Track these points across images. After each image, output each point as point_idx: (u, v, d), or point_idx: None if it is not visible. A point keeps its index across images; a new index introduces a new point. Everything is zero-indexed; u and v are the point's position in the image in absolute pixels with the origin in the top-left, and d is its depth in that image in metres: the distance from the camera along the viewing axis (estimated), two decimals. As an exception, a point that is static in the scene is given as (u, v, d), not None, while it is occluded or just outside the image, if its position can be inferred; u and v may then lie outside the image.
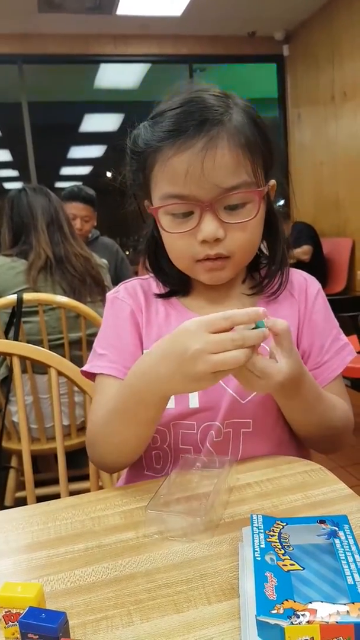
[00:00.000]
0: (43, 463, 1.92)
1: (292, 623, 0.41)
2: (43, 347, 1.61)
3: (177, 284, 0.84)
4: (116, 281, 2.24)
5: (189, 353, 0.58)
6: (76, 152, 6.80)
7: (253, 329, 0.60)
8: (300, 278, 0.87)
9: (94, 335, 0.95)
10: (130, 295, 0.85)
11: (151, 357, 0.65)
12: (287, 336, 0.63)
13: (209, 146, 0.69)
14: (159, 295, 0.85)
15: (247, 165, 0.72)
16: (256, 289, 0.83)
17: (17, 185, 4.76)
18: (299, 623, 0.41)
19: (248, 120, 0.73)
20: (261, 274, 0.86)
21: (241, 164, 0.71)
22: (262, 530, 0.54)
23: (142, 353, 0.80)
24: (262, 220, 0.77)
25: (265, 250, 0.85)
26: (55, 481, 1.04)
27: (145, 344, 0.81)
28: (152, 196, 0.77)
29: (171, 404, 0.77)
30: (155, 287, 0.86)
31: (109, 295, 0.87)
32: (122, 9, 4.43)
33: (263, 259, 0.86)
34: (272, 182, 0.79)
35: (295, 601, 0.44)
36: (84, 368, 0.84)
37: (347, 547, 0.51)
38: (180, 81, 0.77)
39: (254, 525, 0.55)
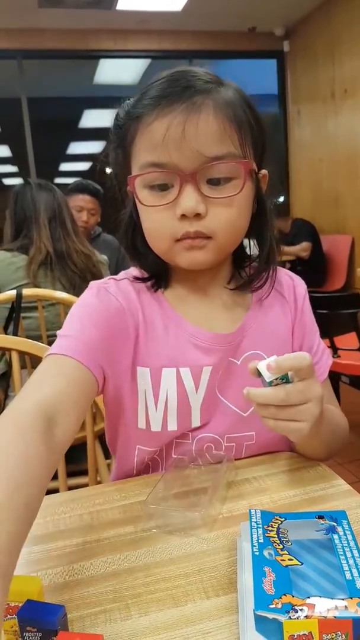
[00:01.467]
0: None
1: (290, 618, 0.42)
2: (42, 342, 1.61)
3: (157, 271, 0.77)
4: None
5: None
6: (76, 147, 6.78)
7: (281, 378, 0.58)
8: (287, 278, 0.83)
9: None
10: (124, 295, 0.75)
11: None
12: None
13: (192, 110, 0.63)
14: (138, 279, 0.76)
15: (233, 137, 0.65)
16: (241, 286, 0.77)
17: (16, 180, 4.74)
18: (297, 618, 0.42)
19: (240, 98, 0.68)
20: (247, 272, 0.79)
21: (227, 134, 0.65)
22: (260, 525, 0.54)
23: (132, 362, 0.73)
24: (248, 203, 0.70)
25: (256, 248, 0.79)
26: (53, 476, 1.04)
27: (141, 359, 0.73)
28: (133, 168, 0.70)
29: (173, 426, 0.73)
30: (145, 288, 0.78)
31: (97, 284, 0.77)
32: (122, 4, 4.41)
33: (249, 258, 0.80)
34: (264, 171, 0.73)
35: (293, 596, 0.44)
36: (49, 351, 0.69)
37: (346, 542, 0.51)
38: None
39: (253, 520, 0.55)
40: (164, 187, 0.67)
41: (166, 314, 0.75)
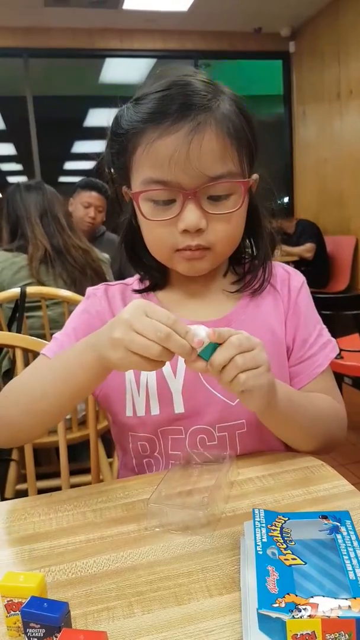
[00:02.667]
0: (43, 456, 1.93)
1: (293, 617, 0.42)
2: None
3: (155, 276, 0.81)
4: (120, 277, 2.23)
5: (119, 318, 0.59)
6: (80, 146, 6.79)
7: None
8: (283, 272, 0.85)
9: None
10: (108, 297, 0.82)
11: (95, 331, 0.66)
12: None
13: (197, 131, 0.66)
14: (137, 292, 0.82)
15: (233, 155, 0.69)
16: (238, 285, 0.81)
17: (21, 179, 4.75)
18: (301, 617, 0.41)
19: (235, 109, 0.70)
20: (244, 269, 0.83)
21: (228, 152, 0.68)
22: (264, 525, 0.54)
23: None
24: (244, 213, 0.75)
25: (249, 245, 0.83)
26: (56, 474, 1.04)
27: None
28: (133, 181, 0.73)
29: (155, 410, 0.76)
30: (137, 287, 0.83)
31: (90, 289, 0.85)
32: (128, 4, 4.42)
33: (246, 254, 0.84)
34: (255, 175, 0.76)
35: (296, 595, 0.44)
36: (42, 350, 0.81)
37: (349, 542, 0.51)
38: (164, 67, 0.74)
39: (256, 519, 0.55)
40: (166, 202, 0.70)
41: None
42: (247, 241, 0.82)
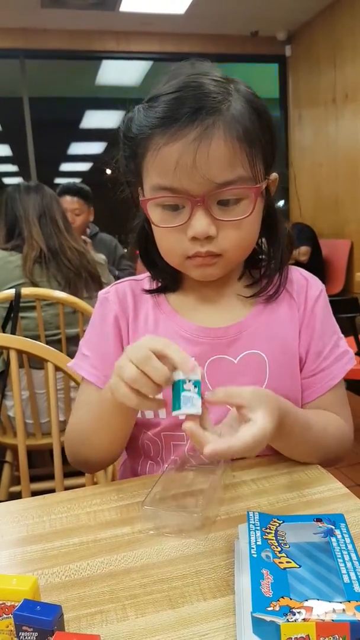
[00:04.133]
0: (38, 458, 1.92)
1: (287, 620, 0.41)
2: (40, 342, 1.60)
3: (169, 279, 0.81)
4: (114, 277, 2.23)
5: (116, 365, 0.61)
6: (77, 148, 6.79)
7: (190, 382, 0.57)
8: (301, 278, 0.82)
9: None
10: (119, 299, 0.82)
11: None
12: (238, 399, 0.60)
13: (203, 137, 0.63)
14: (148, 292, 0.81)
15: (243, 159, 0.66)
16: (253, 289, 0.79)
17: (16, 180, 4.74)
18: (295, 620, 0.41)
19: (248, 109, 0.67)
20: (260, 272, 0.81)
21: (237, 157, 0.66)
22: (258, 528, 0.53)
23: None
24: (258, 218, 0.73)
25: (265, 248, 0.81)
26: (50, 476, 1.04)
27: None
28: (144, 185, 0.72)
29: (162, 414, 0.76)
30: (148, 286, 0.83)
31: (101, 294, 0.84)
32: (125, 6, 4.42)
33: (263, 256, 0.82)
34: (274, 175, 0.74)
35: (291, 599, 0.44)
36: (70, 364, 0.84)
37: (344, 545, 0.51)
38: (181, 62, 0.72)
39: (251, 522, 0.55)
40: (175, 208, 0.69)
41: (160, 308, 0.81)
42: (264, 244, 0.80)
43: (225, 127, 0.65)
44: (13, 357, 1.07)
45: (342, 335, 0.82)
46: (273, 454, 0.77)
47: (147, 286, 0.83)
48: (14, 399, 1.07)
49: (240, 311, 0.79)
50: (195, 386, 0.57)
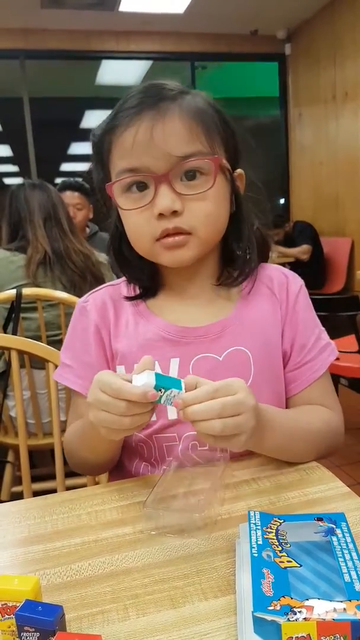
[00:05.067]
0: (39, 458, 1.92)
1: (288, 620, 0.41)
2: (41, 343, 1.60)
3: (145, 279, 0.80)
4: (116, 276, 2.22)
5: (88, 401, 0.62)
6: (77, 148, 6.78)
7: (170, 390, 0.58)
8: (281, 275, 0.83)
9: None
10: (97, 309, 0.81)
11: None
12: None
13: (158, 116, 0.67)
14: (128, 298, 0.81)
15: (200, 135, 0.69)
16: (222, 280, 0.79)
17: (17, 180, 4.75)
18: (296, 620, 0.41)
19: (205, 103, 0.71)
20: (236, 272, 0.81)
21: (194, 132, 0.69)
22: (259, 527, 0.54)
23: (111, 368, 0.79)
24: (223, 197, 0.73)
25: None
26: (51, 476, 1.04)
27: (118, 358, 0.79)
28: (112, 178, 0.73)
29: (153, 416, 0.75)
30: (126, 291, 0.83)
31: (80, 302, 0.84)
32: (125, 6, 4.42)
33: (235, 254, 0.81)
34: (239, 170, 0.77)
35: (292, 598, 0.44)
36: (54, 376, 0.85)
37: (345, 544, 0.51)
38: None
39: (252, 521, 0.55)
40: (140, 190, 0.70)
41: (140, 312, 0.81)
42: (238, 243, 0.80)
43: (180, 109, 0.68)
44: (14, 358, 1.07)
45: (323, 329, 0.83)
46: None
47: (124, 291, 0.83)
48: (16, 399, 1.07)
49: (221, 309, 0.79)
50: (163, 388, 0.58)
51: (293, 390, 0.80)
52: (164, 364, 0.75)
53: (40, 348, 1.06)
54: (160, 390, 0.58)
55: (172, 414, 0.76)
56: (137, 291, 0.82)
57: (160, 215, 0.69)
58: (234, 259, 0.80)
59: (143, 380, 0.58)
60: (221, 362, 0.76)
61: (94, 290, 0.86)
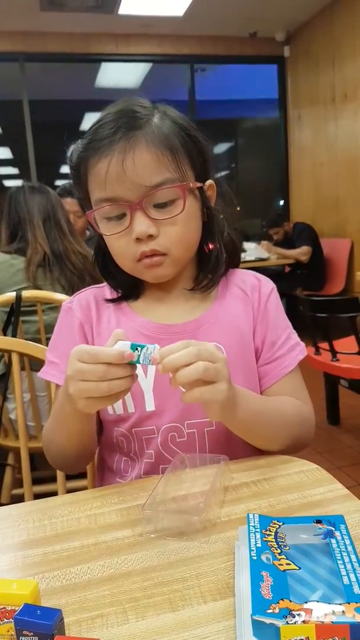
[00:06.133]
0: (39, 461, 1.92)
1: (287, 623, 0.41)
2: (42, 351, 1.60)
3: (127, 288, 0.86)
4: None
5: (66, 375, 0.64)
6: (76, 150, 6.80)
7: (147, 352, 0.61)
8: (254, 279, 0.90)
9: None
10: (82, 308, 0.87)
11: None
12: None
13: (127, 148, 0.72)
14: (110, 301, 0.87)
15: (167, 163, 0.73)
16: (197, 284, 0.84)
17: (17, 182, 4.76)
18: (295, 623, 0.41)
19: (171, 124, 0.75)
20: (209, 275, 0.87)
21: (162, 161, 0.73)
22: (258, 530, 0.54)
23: None
24: (194, 216, 0.79)
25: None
26: (52, 479, 1.04)
27: None
28: (92, 205, 0.79)
29: (131, 408, 0.81)
30: (109, 294, 0.88)
31: (65, 303, 0.89)
32: (124, 9, 4.43)
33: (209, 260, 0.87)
34: (209, 182, 0.81)
35: (291, 601, 0.44)
36: (40, 373, 0.87)
37: (344, 547, 0.51)
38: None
39: (251, 524, 0.55)
40: (119, 217, 0.76)
41: (122, 311, 0.86)
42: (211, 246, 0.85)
43: (147, 138, 0.73)
44: (15, 360, 1.07)
45: (293, 330, 0.89)
46: (245, 451, 0.78)
47: (108, 294, 0.88)
48: (16, 402, 1.08)
49: (197, 309, 0.85)
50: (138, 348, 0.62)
51: (265, 384, 0.85)
52: None
53: (40, 350, 1.06)
54: (137, 349, 0.61)
55: (149, 405, 0.79)
56: (118, 295, 0.87)
57: (138, 240, 0.75)
58: (208, 264, 0.85)
59: (118, 347, 0.61)
60: None
61: (79, 292, 0.92)
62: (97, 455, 0.91)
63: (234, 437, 0.77)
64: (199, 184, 0.79)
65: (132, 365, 0.62)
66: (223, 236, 0.85)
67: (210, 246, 0.83)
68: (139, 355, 0.61)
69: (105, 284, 0.90)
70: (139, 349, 0.61)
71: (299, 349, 0.86)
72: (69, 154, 0.81)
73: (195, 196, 0.79)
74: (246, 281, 0.89)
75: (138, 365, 0.62)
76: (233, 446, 0.79)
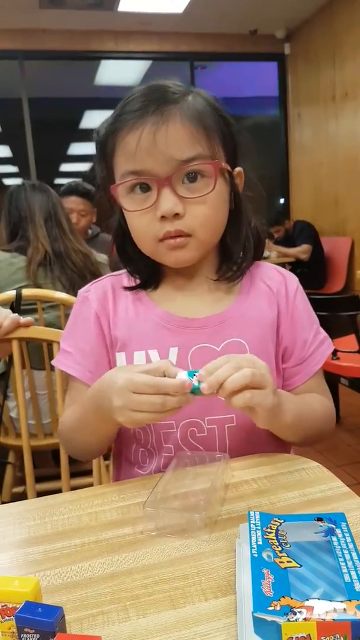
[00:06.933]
0: (39, 459, 1.92)
1: (288, 620, 0.41)
2: (41, 346, 1.61)
3: (146, 274, 0.83)
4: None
5: (113, 406, 0.64)
6: (76, 148, 6.79)
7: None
8: (277, 274, 0.86)
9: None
10: (98, 298, 0.84)
11: (96, 386, 0.70)
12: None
13: (161, 121, 0.69)
14: (128, 289, 0.83)
15: (201, 139, 0.71)
16: (220, 275, 0.82)
17: (16, 181, 4.77)
18: (296, 620, 0.41)
19: (206, 104, 0.73)
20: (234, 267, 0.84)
21: (195, 137, 0.71)
22: (259, 527, 0.54)
23: (111, 355, 0.82)
24: (222, 200, 0.76)
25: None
26: (52, 477, 1.04)
27: (118, 346, 0.81)
28: (115, 180, 0.76)
29: None
30: (127, 282, 0.85)
31: (81, 292, 0.86)
32: (124, 6, 4.42)
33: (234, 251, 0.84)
34: (238, 169, 0.79)
35: (292, 598, 0.44)
36: (53, 361, 0.86)
37: (345, 544, 0.51)
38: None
39: (252, 522, 0.55)
40: (144, 191, 0.72)
41: (140, 301, 0.83)
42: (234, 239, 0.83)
43: (181, 112, 0.70)
44: (15, 349, 1.07)
45: (318, 322, 0.87)
46: (267, 447, 0.78)
47: (125, 282, 0.85)
48: (17, 398, 1.08)
49: (220, 302, 0.82)
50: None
51: (296, 383, 0.83)
52: (163, 352, 0.78)
53: (42, 331, 1.08)
54: (194, 375, 0.62)
55: None
56: (137, 283, 0.84)
57: (163, 218, 0.72)
58: (232, 255, 0.82)
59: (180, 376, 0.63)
60: (219, 352, 0.77)
61: (96, 280, 0.88)
62: (114, 446, 0.89)
63: (255, 434, 0.76)
64: (233, 171, 0.76)
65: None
66: (250, 226, 0.82)
67: (235, 237, 0.81)
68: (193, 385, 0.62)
69: (123, 271, 0.86)
70: (195, 374, 0.62)
71: (327, 343, 0.85)
72: (95, 130, 0.77)
73: (225, 179, 0.76)
74: (271, 276, 0.85)
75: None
76: (255, 443, 0.78)
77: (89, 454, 0.85)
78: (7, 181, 6.18)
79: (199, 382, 0.62)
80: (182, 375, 0.62)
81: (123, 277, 0.86)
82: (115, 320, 0.82)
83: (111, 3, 4.36)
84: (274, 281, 0.85)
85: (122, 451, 0.86)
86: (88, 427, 0.76)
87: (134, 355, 0.79)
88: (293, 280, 0.86)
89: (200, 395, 0.62)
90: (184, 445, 0.78)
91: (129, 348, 0.80)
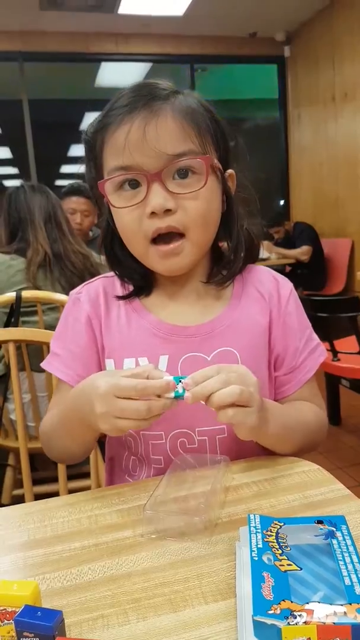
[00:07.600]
0: (40, 461, 1.92)
1: (289, 623, 0.41)
2: (42, 348, 1.61)
3: (137, 278, 0.80)
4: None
5: (96, 412, 0.62)
6: (76, 150, 6.80)
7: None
8: (271, 279, 0.84)
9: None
10: (91, 300, 0.82)
11: (78, 389, 0.69)
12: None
13: (151, 115, 0.67)
14: (121, 298, 0.81)
15: (192, 136, 0.69)
16: (212, 279, 0.80)
17: (16, 182, 4.76)
18: (296, 623, 0.41)
19: (197, 103, 0.72)
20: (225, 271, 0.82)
21: (186, 132, 0.69)
22: (259, 530, 0.53)
23: (101, 361, 0.81)
24: (215, 197, 0.74)
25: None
26: (52, 479, 1.04)
27: (108, 352, 0.80)
28: (104, 176, 0.73)
29: None
30: (119, 286, 0.83)
31: (73, 293, 0.84)
32: (124, 8, 4.42)
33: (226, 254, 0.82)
34: (230, 171, 0.77)
35: (292, 601, 0.44)
36: (43, 363, 0.84)
37: (345, 547, 0.51)
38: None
39: (252, 525, 0.54)
40: (133, 188, 0.70)
41: (132, 306, 0.81)
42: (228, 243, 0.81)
43: (172, 108, 0.69)
44: (12, 352, 1.07)
45: (311, 328, 0.85)
46: (272, 454, 0.77)
47: (118, 284, 0.83)
48: (15, 401, 1.08)
49: (211, 309, 0.80)
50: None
51: (288, 392, 0.82)
52: (153, 360, 0.76)
53: (36, 334, 1.07)
54: (180, 382, 0.61)
55: None
56: (130, 286, 0.82)
57: (153, 214, 0.69)
58: (223, 258, 0.81)
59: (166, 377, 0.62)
60: (209, 361, 0.77)
61: (87, 281, 0.86)
62: (107, 450, 0.88)
63: (246, 445, 0.75)
64: (221, 167, 0.74)
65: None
66: (242, 229, 0.80)
67: (226, 241, 0.80)
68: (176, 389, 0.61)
69: (113, 273, 0.84)
70: (182, 380, 0.61)
71: (320, 351, 0.83)
72: (84, 131, 0.76)
73: (217, 177, 0.74)
74: (263, 281, 0.83)
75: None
76: (247, 454, 0.77)
77: (69, 458, 0.82)
78: (7, 183, 6.17)
79: (184, 389, 0.61)
80: (168, 377, 0.61)
81: (116, 280, 0.84)
82: (107, 325, 0.81)
83: (111, 5, 4.36)
84: (266, 287, 0.83)
85: (114, 457, 0.85)
86: (68, 431, 0.75)
87: (123, 362, 0.78)
88: (287, 285, 0.84)
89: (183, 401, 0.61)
90: (174, 456, 0.76)
91: (118, 354, 0.78)
